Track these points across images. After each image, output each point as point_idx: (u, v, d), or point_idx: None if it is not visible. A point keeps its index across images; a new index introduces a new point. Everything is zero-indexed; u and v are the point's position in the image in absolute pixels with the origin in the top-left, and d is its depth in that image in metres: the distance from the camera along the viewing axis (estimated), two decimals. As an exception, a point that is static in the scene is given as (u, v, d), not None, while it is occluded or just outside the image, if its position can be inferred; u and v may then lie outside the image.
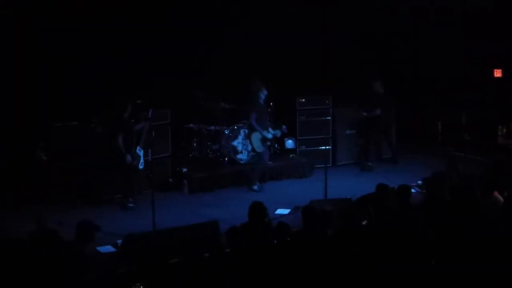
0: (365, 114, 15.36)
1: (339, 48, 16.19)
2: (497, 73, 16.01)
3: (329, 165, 14.64)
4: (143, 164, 12.62)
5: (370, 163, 15.23)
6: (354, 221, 8.82)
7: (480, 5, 15.14)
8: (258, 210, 8.85)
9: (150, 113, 12.86)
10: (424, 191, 12.00)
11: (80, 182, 12.99)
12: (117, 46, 14.00)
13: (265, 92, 13.57)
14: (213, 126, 14.60)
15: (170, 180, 13.91)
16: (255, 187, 13.64)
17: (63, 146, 12.91)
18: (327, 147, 15.33)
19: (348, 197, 11.73)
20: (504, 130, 15.54)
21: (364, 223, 8.95)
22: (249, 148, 14.37)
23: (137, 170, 12.60)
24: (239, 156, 14.46)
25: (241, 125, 14.52)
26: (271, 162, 14.47)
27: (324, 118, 15.49)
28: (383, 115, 15.22)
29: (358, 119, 15.64)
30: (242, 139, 14.44)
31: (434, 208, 9.20)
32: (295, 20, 15.66)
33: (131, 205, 12.52)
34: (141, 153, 12.59)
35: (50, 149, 12.89)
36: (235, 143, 14.44)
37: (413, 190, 10.32)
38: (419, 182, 12.94)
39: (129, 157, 12.38)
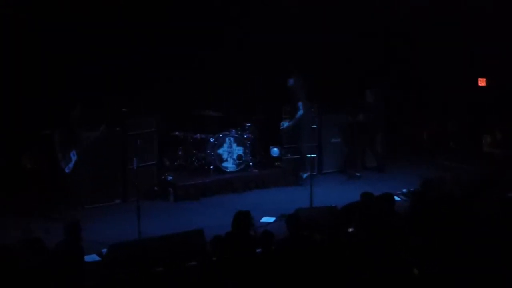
0: (349, 117, 15.41)
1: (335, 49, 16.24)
2: (481, 82, 16.11)
3: (315, 173, 14.65)
4: (69, 169, 12.30)
5: (358, 174, 15.23)
6: (339, 229, 8.84)
7: (466, 14, 15.23)
8: (243, 221, 8.79)
9: (102, 127, 12.77)
10: (408, 198, 12.03)
11: (64, 190, 12.93)
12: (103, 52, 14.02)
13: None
14: (198, 134, 14.59)
15: (156, 188, 13.88)
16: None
17: (50, 154, 12.85)
18: (313, 155, 15.34)
19: (333, 205, 11.74)
20: (489, 139, 15.62)
21: (349, 230, 8.98)
22: (235, 156, 14.41)
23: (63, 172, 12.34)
24: (224, 164, 14.46)
25: (227, 133, 14.53)
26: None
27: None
28: (370, 124, 15.22)
29: (344, 126, 15.67)
30: (228, 147, 14.46)
31: (419, 215, 9.24)
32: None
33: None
34: (74, 159, 12.34)
35: (37, 157, 12.82)
36: (220, 151, 14.45)
37: (397, 198, 10.36)
38: (404, 190, 12.97)
39: (59, 155, 12.26)
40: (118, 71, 14.13)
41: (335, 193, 13.74)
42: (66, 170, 12.26)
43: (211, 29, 15.03)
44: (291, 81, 14.29)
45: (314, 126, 15.22)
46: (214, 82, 15.17)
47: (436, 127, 17.21)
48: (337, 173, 15.67)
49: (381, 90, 15.48)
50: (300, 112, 14.29)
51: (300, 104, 14.26)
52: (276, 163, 15.26)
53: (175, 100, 14.90)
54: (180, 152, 14.79)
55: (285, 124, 14.78)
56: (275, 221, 11.96)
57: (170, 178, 13.92)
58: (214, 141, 14.40)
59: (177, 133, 14.79)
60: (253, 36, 15.31)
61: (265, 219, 12.07)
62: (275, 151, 15.37)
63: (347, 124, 15.56)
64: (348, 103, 15.67)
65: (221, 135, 14.48)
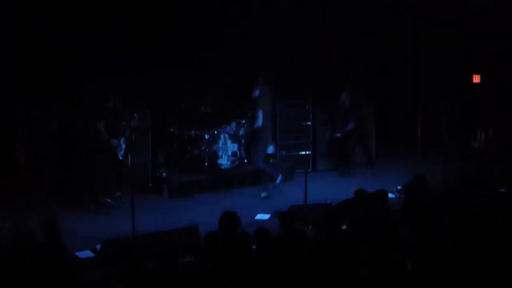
0: (339, 135, 15.35)
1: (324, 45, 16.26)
2: (476, 79, 16.14)
3: (309, 170, 14.66)
4: (122, 156, 12.56)
5: (351, 171, 15.26)
6: (333, 225, 8.86)
7: (461, 11, 15.25)
8: (229, 221, 8.77)
9: (135, 118, 12.89)
10: (403, 195, 12.05)
11: (58, 184, 12.95)
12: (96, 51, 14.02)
13: None
14: (193, 131, 14.59)
15: (150, 184, 13.89)
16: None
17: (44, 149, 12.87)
18: (307, 152, 15.38)
19: (328, 202, 11.76)
20: (483, 135, 15.66)
21: (343, 227, 9.00)
22: (229, 153, 14.43)
23: (118, 161, 12.55)
24: (219, 161, 14.48)
25: (221, 129, 14.54)
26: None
27: (304, 123, 15.51)
28: (355, 127, 15.23)
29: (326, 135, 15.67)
30: (222, 144, 14.47)
31: (413, 212, 9.27)
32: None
33: (109, 201, 12.50)
34: (123, 147, 12.58)
35: (31, 153, 12.83)
36: (215, 148, 14.46)
37: (391, 195, 10.39)
38: (399, 187, 12.98)
39: (115, 141, 12.44)
40: (115, 70, 14.12)
41: (330, 190, 13.75)
42: (120, 157, 12.48)
43: (208, 28, 15.04)
44: (256, 93, 13.19)
45: (309, 123, 15.28)
46: (210, 79, 15.16)
47: (430, 123, 17.25)
48: (332, 170, 15.69)
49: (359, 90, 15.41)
50: (259, 123, 13.22)
51: (260, 112, 13.14)
52: (271, 160, 15.26)
53: (169, 96, 14.89)
54: (174, 149, 14.79)
55: (240, 131, 14.49)
56: (269, 218, 11.97)
57: (164, 174, 13.92)
58: (209, 137, 14.41)
59: (171, 129, 14.78)
60: (250, 35, 15.31)
61: (259, 216, 12.09)
62: (270, 148, 15.36)
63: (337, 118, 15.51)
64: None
65: (216, 132, 14.48)
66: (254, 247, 8.63)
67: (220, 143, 14.48)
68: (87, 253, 10.20)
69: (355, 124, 15.12)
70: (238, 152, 14.61)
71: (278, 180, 13.43)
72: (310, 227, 10.17)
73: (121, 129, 12.64)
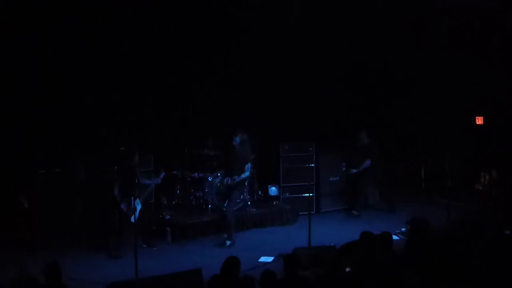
0: (354, 171, 15.30)
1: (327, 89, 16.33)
2: (479, 121, 16.16)
3: (313, 212, 14.62)
4: (134, 218, 12.13)
5: (356, 212, 15.20)
6: (338, 268, 8.80)
7: (462, 52, 15.34)
8: (232, 266, 8.70)
9: (162, 175, 12.96)
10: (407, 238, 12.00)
11: (63, 230, 12.92)
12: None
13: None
14: (196, 173, 14.57)
15: (154, 227, 13.83)
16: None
17: (46, 193, 12.84)
18: (310, 194, 15.36)
19: (332, 244, 11.69)
20: (487, 177, 15.63)
21: (348, 270, 8.93)
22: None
23: (128, 222, 12.31)
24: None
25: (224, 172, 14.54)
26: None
27: (307, 165, 15.50)
28: (373, 165, 15.23)
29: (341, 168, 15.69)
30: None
31: (416, 255, 9.21)
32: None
33: (116, 254, 12.37)
34: (139, 207, 12.40)
35: (33, 196, 12.82)
36: (218, 190, 14.42)
37: (396, 238, 10.34)
38: (403, 229, 12.93)
39: (123, 206, 12.34)
40: (115, 110, 14.22)
41: (334, 232, 13.70)
42: (132, 220, 12.13)
43: (207, 67, 15.19)
44: (237, 140, 13.17)
45: (312, 165, 15.29)
46: (211, 121, 15.22)
47: (433, 165, 17.25)
48: (336, 211, 15.62)
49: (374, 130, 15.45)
50: (246, 174, 13.25)
51: (248, 166, 13.22)
52: (274, 202, 15.23)
53: (172, 139, 14.93)
54: (178, 191, 14.77)
55: (226, 179, 13.73)
56: (273, 260, 11.90)
57: (168, 217, 13.87)
58: (212, 179, 14.39)
59: (175, 172, 14.77)
60: (250, 75, 15.43)
61: (263, 259, 12.02)
62: (273, 190, 15.37)
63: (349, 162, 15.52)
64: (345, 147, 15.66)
65: (219, 174, 14.47)
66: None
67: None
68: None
69: (372, 163, 15.13)
70: (241, 195, 14.55)
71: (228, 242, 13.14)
72: (314, 270, 10.09)
73: (137, 188, 12.55)
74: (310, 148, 15.55)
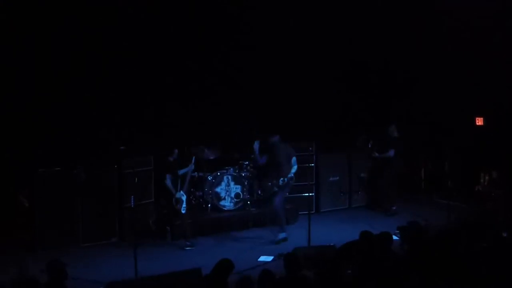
0: (377, 155, 15.46)
1: (326, 89, 16.32)
2: (479, 121, 16.15)
3: (313, 212, 14.62)
4: (185, 209, 12.92)
5: (394, 207, 15.23)
6: (337, 268, 8.78)
7: (462, 52, 15.33)
8: (224, 269, 8.70)
9: (193, 160, 13.26)
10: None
11: (62, 229, 12.92)
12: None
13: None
14: (196, 173, 14.59)
15: (153, 226, 13.84)
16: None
17: (46, 192, 12.84)
18: (310, 194, 15.36)
19: (331, 244, 11.70)
20: (487, 178, 15.61)
21: (348, 271, 8.92)
22: (233, 194, 14.42)
23: (179, 214, 12.91)
24: (222, 202, 14.47)
25: (224, 171, 14.55)
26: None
27: (307, 164, 15.50)
28: (396, 159, 15.30)
29: (343, 165, 15.70)
30: (225, 185, 14.46)
31: (416, 255, 9.21)
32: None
33: (189, 245, 12.90)
34: (184, 198, 12.92)
35: (33, 196, 12.82)
36: (218, 189, 14.46)
37: (396, 238, 10.32)
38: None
39: (179, 194, 12.87)
40: (115, 110, 14.22)
41: (333, 232, 13.70)
42: (183, 211, 12.90)
43: (207, 67, 15.19)
44: (272, 141, 13.45)
45: (312, 164, 15.29)
46: (212, 121, 15.22)
47: (433, 166, 17.24)
48: (336, 211, 15.64)
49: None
50: (295, 168, 13.30)
51: (294, 159, 13.40)
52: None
53: (173, 138, 14.92)
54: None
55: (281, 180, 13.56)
56: (273, 260, 11.90)
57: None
58: (212, 179, 14.41)
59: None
60: (250, 75, 15.43)
61: (263, 258, 12.02)
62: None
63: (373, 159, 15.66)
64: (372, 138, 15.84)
65: (219, 174, 14.48)
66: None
67: (223, 184, 14.48)
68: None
69: (395, 155, 15.19)
70: (241, 194, 14.58)
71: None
72: (314, 270, 10.09)
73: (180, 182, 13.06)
74: (310, 148, 15.57)
